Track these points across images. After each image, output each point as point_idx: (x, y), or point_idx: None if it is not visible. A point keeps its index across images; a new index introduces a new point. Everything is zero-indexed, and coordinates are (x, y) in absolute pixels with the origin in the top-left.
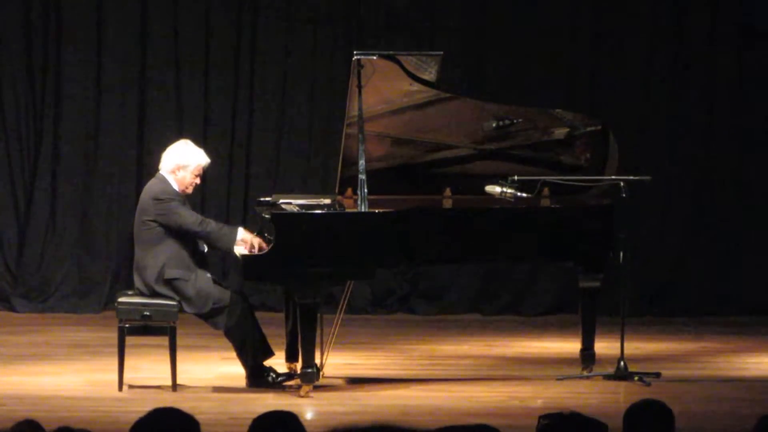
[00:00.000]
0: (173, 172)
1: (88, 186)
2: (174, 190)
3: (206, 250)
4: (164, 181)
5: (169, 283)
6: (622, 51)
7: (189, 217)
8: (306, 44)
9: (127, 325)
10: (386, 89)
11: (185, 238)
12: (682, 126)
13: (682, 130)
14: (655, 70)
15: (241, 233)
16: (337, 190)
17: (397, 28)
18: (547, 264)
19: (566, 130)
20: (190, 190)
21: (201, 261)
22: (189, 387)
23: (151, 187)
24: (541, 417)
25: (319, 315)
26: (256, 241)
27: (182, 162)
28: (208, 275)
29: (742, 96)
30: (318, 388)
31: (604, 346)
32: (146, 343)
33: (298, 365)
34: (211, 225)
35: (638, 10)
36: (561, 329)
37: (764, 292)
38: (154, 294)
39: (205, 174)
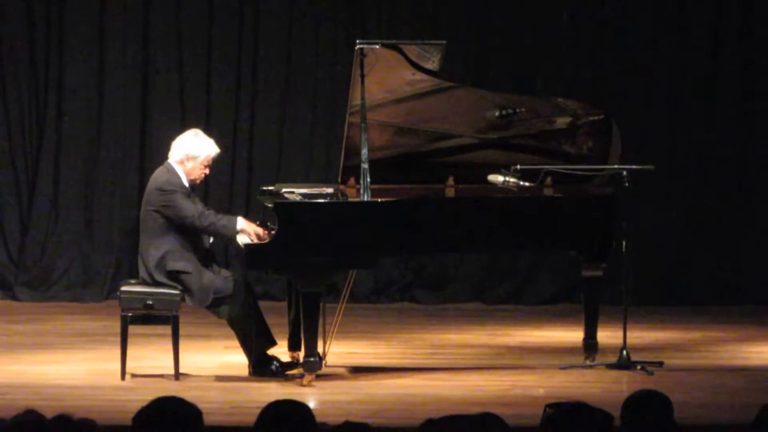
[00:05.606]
0: (182, 162)
1: (91, 175)
2: (180, 181)
3: (212, 240)
4: (171, 171)
5: (171, 275)
6: (625, 40)
7: (189, 210)
8: (309, 33)
9: (129, 314)
10: (389, 78)
11: (189, 230)
12: (685, 115)
13: (684, 119)
14: (658, 59)
15: (241, 223)
16: (339, 179)
17: (401, 17)
18: (549, 253)
19: (569, 119)
20: (197, 181)
21: (206, 255)
22: (192, 376)
23: (157, 177)
24: (546, 406)
25: (321, 304)
26: (257, 229)
27: (192, 153)
28: (213, 268)
29: (745, 85)
30: (320, 377)
31: (607, 336)
32: (149, 332)
33: (301, 354)
34: (210, 217)
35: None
36: (564, 318)
37: (767, 282)
38: (157, 283)
39: (213, 164)
